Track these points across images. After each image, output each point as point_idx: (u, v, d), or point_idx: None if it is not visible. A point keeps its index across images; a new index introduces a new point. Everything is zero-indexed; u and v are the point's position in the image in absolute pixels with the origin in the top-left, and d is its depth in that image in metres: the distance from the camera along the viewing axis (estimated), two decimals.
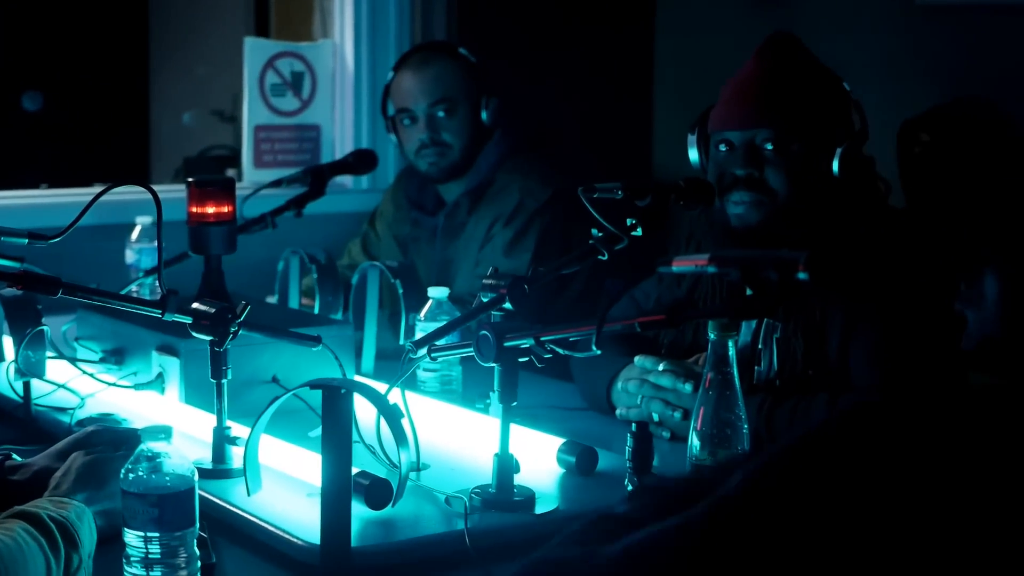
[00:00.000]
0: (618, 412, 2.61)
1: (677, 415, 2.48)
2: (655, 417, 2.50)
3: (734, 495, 1.26)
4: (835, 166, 2.52)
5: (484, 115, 3.45)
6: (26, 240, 2.14)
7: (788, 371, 2.51)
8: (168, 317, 2.11)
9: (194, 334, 2.15)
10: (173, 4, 6.87)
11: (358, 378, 2.67)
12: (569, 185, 3.35)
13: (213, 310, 2.12)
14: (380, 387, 2.09)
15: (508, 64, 4.22)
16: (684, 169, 2.70)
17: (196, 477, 1.75)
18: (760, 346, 2.54)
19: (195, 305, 2.14)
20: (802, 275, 1.59)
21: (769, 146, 2.54)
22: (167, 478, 1.72)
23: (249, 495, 1.99)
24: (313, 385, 1.82)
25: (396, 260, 3.48)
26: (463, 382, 2.72)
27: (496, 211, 3.38)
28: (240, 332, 2.14)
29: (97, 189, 2.24)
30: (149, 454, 1.74)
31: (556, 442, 2.26)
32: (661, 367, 2.53)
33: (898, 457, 1.23)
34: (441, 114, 3.46)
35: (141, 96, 6.79)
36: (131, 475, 1.73)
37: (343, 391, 1.78)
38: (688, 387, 2.47)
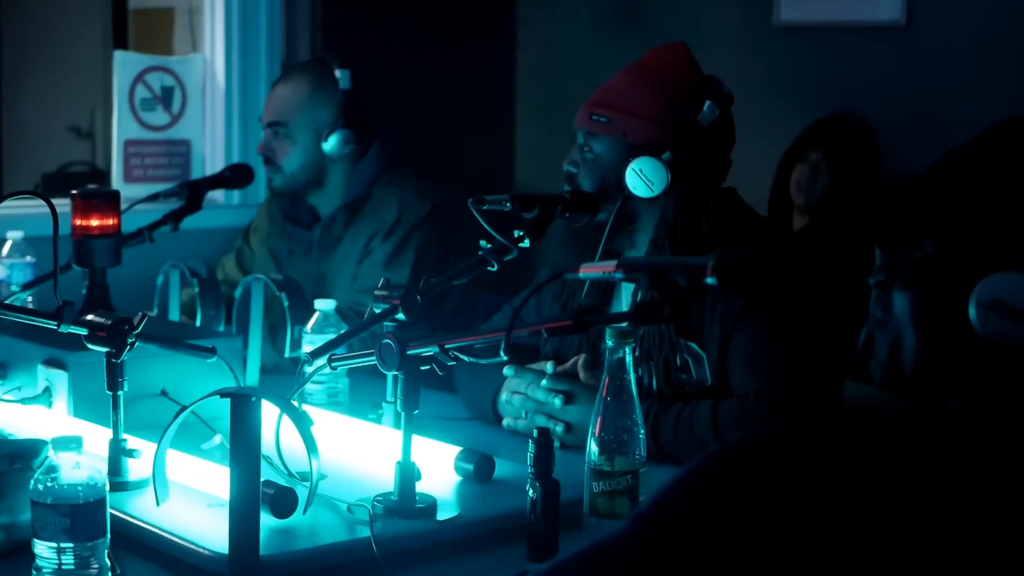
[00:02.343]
0: (505, 423, 2.65)
1: (559, 428, 2.53)
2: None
3: (648, 512, 1.33)
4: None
5: (323, 144, 3.43)
6: None
7: (664, 376, 2.57)
8: (64, 329, 2.10)
9: (89, 346, 2.13)
10: (26, 15, 6.74)
11: None
12: (445, 198, 3.39)
13: (109, 321, 2.11)
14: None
15: (372, 75, 4.24)
16: (543, 182, 2.75)
17: (107, 488, 1.74)
18: (636, 353, 2.59)
19: (90, 317, 2.13)
20: (710, 280, 1.64)
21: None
22: (78, 488, 1.71)
23: (159, 504, 1.98)
24: (223, 394, 1.82)
25: (275, 274, 3.48)
26: (349, 394, 2.73)
27: (374, 225, 3.39)
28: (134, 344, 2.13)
29: None
30: (55, 464, 1.72)
31: (453, 450, 2.29)
32: (544, 382, 2.58)
33: (800, 495, 1.30)
34: (274, 135, 3.45)
35: None
36: (40, 486, 1.71)
37: (252, 399, 1.79)
38: (557, 402, 2.53)
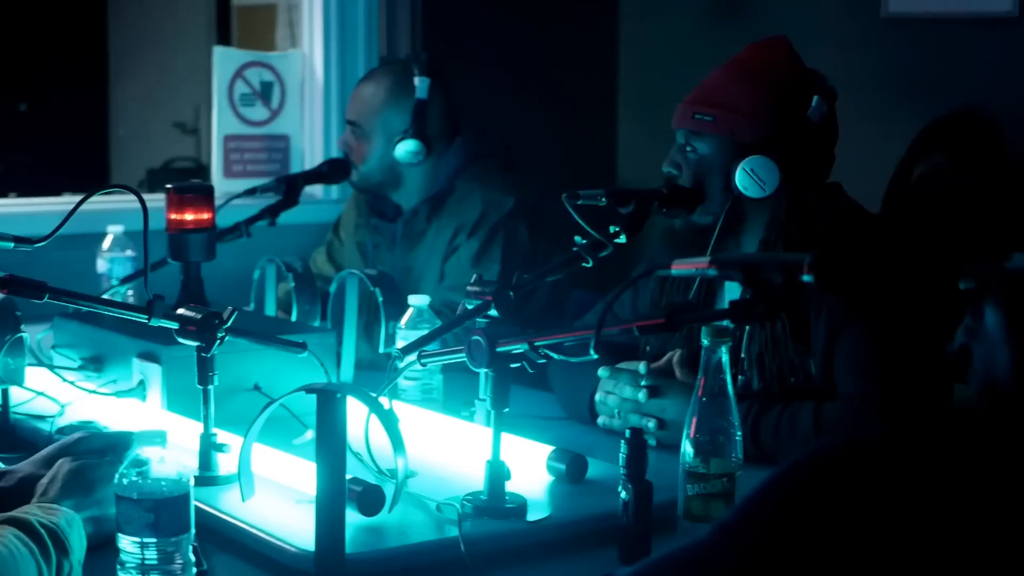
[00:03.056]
0: (600, 422, 2.60)
1: (651, 424, 2.48)
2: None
3: (729, 522, 1.28)
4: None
5: (394, 151, 3.40)
6: (12, 244, 2.11)
7: (771, 378, 2.51)
8: (155, 323, 2.09)
9: (180, 340, 2.13)
10: (132, 14, 6.82)
11: None
12: (530, 193, 3.35)
13: (200, 316, 2.10)
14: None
15: (471, 71, 4.22)
16: (646, 177, 2.70)
17: (192, 482, 1.73)
18: (743, 354, 2.54)
19: (181, 311, 2.12)
20: (807, 277, 1.59)
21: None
22: (163, 483, 1.70)
23: (244, 500, 1.97)
24: (308, 390, 1.80)
25: (360, 267, 3.47)
26: (444, 391, 2.71)
27: (458, 221, 3.36)
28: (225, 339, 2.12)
29: (68, 198, 2.22)
30: (144, 459, 1.71)
31: (545, 450, 2.25)
32: (643, 382, 2.53)
33: (895, 500, 1.24)
34: (352, 133, 3.44)
35: (101, 107, 6.73)
36: (125, 480, 1.70)
37: (339, 395, 1.76)
38: (642, 395, 2.48)
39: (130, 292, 3.42)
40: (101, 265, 3.43)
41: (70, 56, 6.67)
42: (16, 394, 2.52)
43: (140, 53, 6.66)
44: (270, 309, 3.09)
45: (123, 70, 6.75)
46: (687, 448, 1.96)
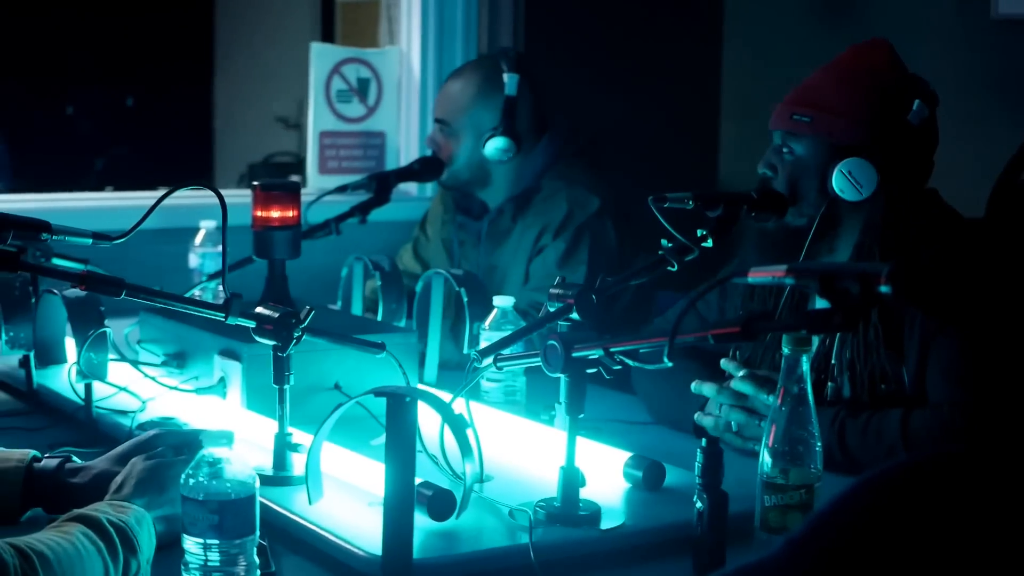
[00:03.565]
0: (696, 416, 2.53)
1: (763, 431, 2.42)
2: (733, 426, 2.45)
3: (799, 538, 1.24)
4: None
5: (483, 148, 3.37)
6: (90, 240, 2.12)
7: (862, 385, 2.45)
8: (231, 321, 2.09)
9: (257, 338, 2.12)
10: (239, 10, 6.87)
11: (421, 387, 2.64)
12: (623, 193, 3.31)
13: (277, 315, 2.10)
14: (443, 397, 2.06)
15: (572, 68, 4.19)
16: (748, 179, 2.65)
17: (257, 484, 1.72)
18: (833, 360, 2.48)
19: (259, 309, 2.12)
20: (884, 288, 1.54)
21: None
22: (228, 484, 1.69)
23: (311, 503, 1.96)
24: (378, 393, 1.79)
25: (445, 264, 3.45)
26: (527, 393, 2.68)
27: (543, 220, 3.33)
28: (303, 338, 2.11)
29: (162, 192, 2.23)
30: (210, 459, 1.70)
31: (622, 456, 2.22)
32: (741, 373, 2.48)
33: (975, 519, 1.19)
34: (440, 131, 3.42)
35: (206, 102, 6.80)
36: (191, 480, 1.69)
37: (408, 399, 1.74)
38: (772, 399, 2.41)
39: (220, 288, 3.44)
40: (193, 260, 3.45)
41: (177, 51, 6.75)
42: (100, 389, 2.53)
43: (245, 48, 6.71)
44: (356, 307, 3.09)
45: (228, 65, 6.81)
46: (765, 458, 1.92)
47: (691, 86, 4.63)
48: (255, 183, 2.58)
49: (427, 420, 1.96)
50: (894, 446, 2.33)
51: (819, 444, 1.93)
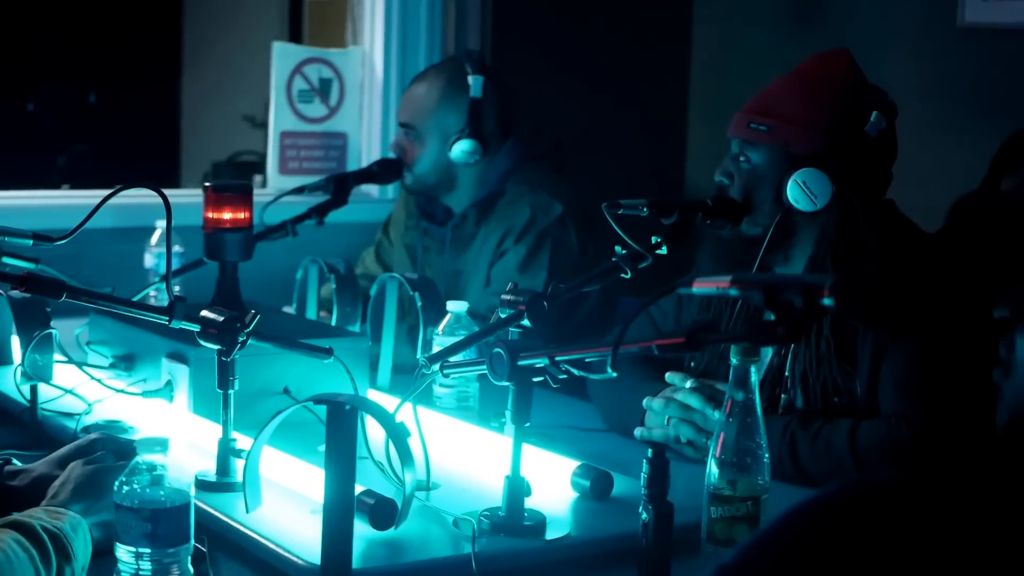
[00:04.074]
0: (637, 432, 2.53)
1: (710, 442, 2.41)
2: (682, 439, 2.43)
3: (731, 564, 1.22)
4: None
5: (449, 151, 3.35)
6: (31, 241, 2.09)
7: (815, 397, 2.43)
8: (175, 324, 2.06)
9: (201, 342, 2.09)
10: (206, 8, 6.83)
11: (372, 392, 2.62)
12: (590, 198, 3.29)
13: (221, 318, 2.07)
14: (394, 402, 2.04)
15: (537, 70, 4.17)
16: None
17: (193, 492, 1.69)
18: (787, 372, 2.47)
19: (204, 313, 2.09)
20: (827, 301, 1.52)
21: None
22: (162, 492, 1.66)
23: (248, 511, 1.93)
24: (317, 400, 1.76)
25: (408, 270, 3.43)
26: (480, 399, 2.66)
27: (506, 225, 3.30)
28: (251, 342, 2.08)
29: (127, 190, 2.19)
30: (145, 466, 1.67)
31: (571, 465, 2.19)
32: (688, 384, 2.46)
33: (907, 548, 1.17)
34: (405, 135, 3.40)
35: (172, 99, 6.76)
36: (125, 488, 1.67)
37: (347, 407, 1.72)
38: (717, 414, 2.40)
39: (177, 288, 3.41)
40: (148, 260, 3.41)
41: (144, 48, 6.70)
42: (47, 391, 2.50)
43: (213, 45, 6.67)
44: (311, 310, 3.06)
45: (195, 63, 6.77)
46: (712, 468, 1.91)
47: (659, 90, 4.61)
48: (206, 184, 2.54)
49: (375, 427, 1.94)
50: (843, 458, 2.31)
51: (767, 455, 1.91)
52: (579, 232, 3.31)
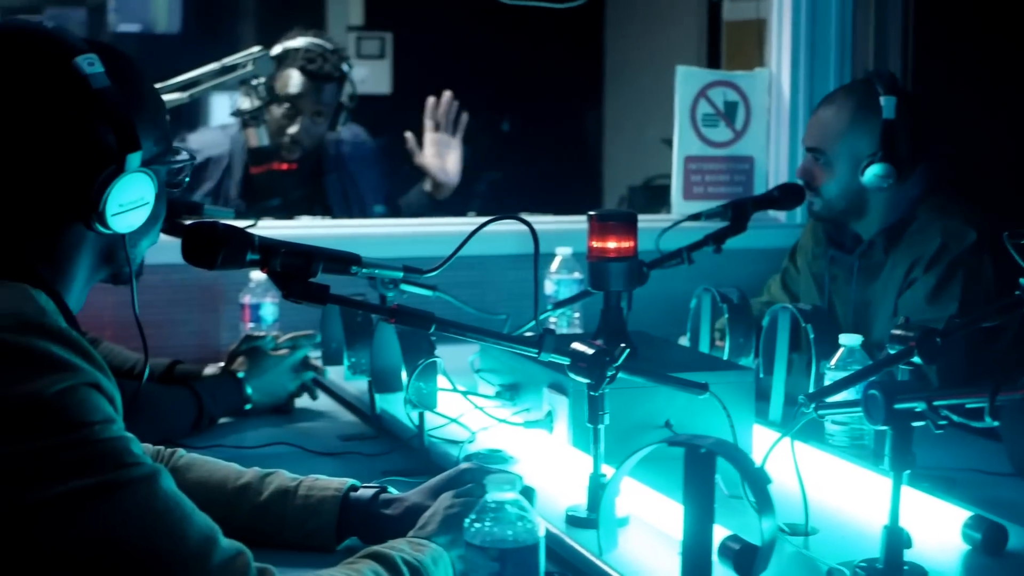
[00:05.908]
0: None
1: None
2: None
3: None
4: None
5: (861, 176, 3.18)
6: (401, 273, 2.13)
7: None
8: (544, 357, 2.04)
9: (571, 376, 2.06)
10: (630, 28, 6.88)
11: (758, 427, 2.52)
12: (996, 226, 3.07)
13: (591, 352, 2.03)
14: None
15: (955, 93, 3.96)
16: None
17: (543, 532, 1.66)
18: None
19: (574, 345, 2.06)
20: None
21: None
22: (510, 531, 1.63)
23: (601, 556, 1.88)
24: (671, 442, 1.70)
25: (815, 299, 3.31)
26: (875, 438, 2.51)
27: (915, 253, 3.13)
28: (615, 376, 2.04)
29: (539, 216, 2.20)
30: (495, 504, 1.65)
31: (962, 515, 2.03)
32: None
33: None
34: (814, 160, 3.25)
35: (593, 125, 6.83)
36: (474, 526, 1.65)
37: (703, 451, 1.65)
38: None
39: (577, 315, 3.41)
40: (548, 287, 3.42)
41: (565, 74, 6.80)
42: (434, 418, 2.53)
43: (634, 66, 6.69)
44: (703, 341, 2.98)
45: (617, 84, 6.81)
46: None
47: None
48: (591, 213, 2.52)
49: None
50: None
51: None
52: (996, 262, 3.10)
